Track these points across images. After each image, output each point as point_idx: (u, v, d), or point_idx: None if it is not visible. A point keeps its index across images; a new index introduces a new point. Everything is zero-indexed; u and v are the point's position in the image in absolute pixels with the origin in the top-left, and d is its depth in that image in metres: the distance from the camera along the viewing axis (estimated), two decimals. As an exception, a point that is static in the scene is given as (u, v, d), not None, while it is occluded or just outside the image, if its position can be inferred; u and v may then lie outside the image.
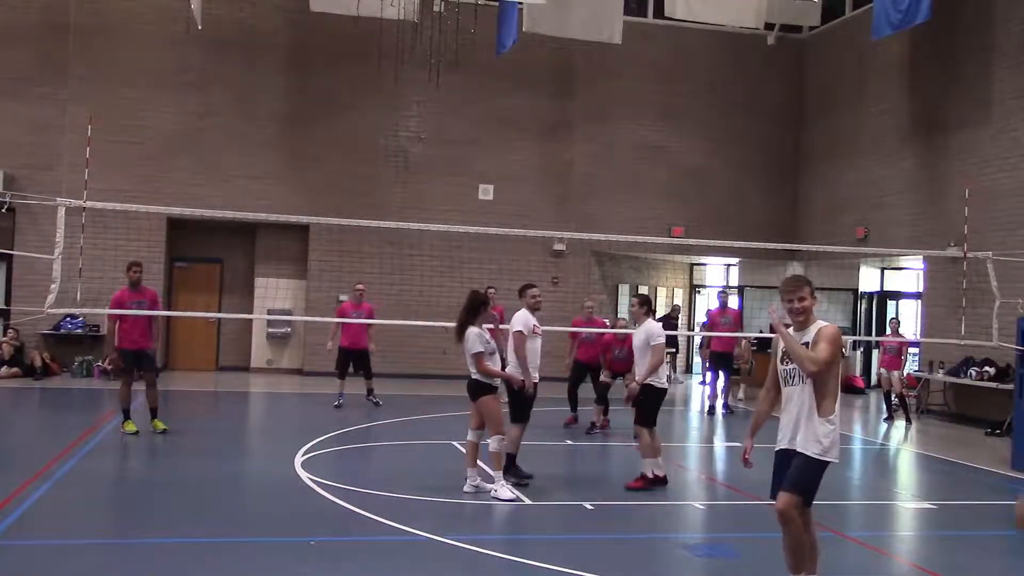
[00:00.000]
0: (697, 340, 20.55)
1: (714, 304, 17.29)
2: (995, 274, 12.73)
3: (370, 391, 14.43)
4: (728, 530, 8.27)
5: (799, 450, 5.53)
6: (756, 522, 8.39)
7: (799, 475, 5.52)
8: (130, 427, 11.30)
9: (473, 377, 8.65)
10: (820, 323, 5.63)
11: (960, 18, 16.69)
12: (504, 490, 8.49)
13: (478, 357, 8.52)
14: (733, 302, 18.21)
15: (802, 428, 5.53)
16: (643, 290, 23.17)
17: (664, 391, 9.31)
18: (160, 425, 11.42)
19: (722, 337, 15.67)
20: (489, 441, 8.58)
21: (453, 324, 8.85)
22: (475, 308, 8.64)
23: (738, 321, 16.56)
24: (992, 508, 9.75)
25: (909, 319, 19.49)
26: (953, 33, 16.85)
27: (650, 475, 9.13)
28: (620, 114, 20.83)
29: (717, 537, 8.06)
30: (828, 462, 5.53)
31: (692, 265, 24.68)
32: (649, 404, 9.19)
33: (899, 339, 16.01)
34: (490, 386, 8.65)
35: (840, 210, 19.94)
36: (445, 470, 9.81)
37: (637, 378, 9.23)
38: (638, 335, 9.34)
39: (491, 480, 8.68)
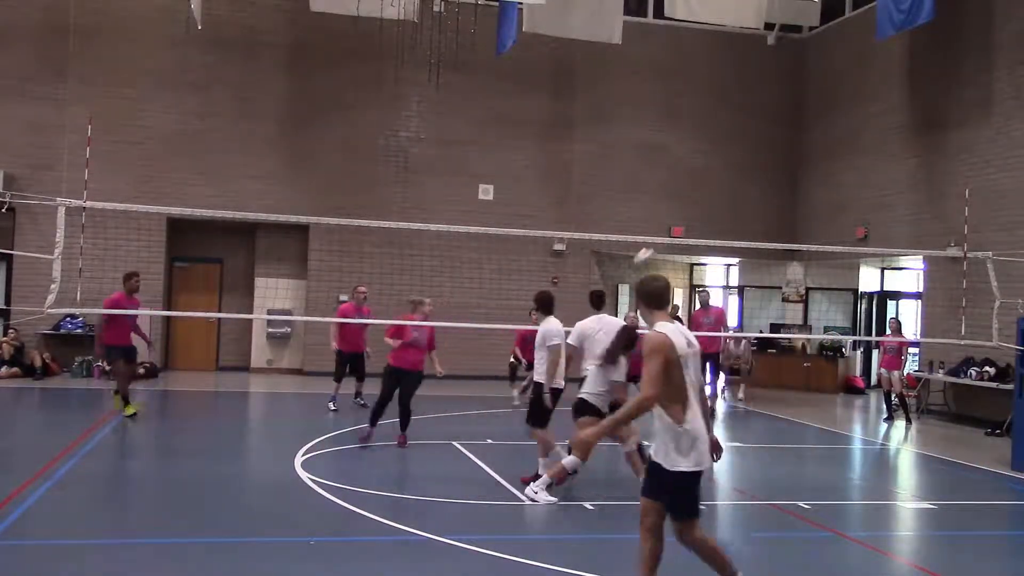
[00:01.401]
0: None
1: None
2: (995, 274, 12.72)
3: (358, 393, 14.46)
4: (728, 530, 8.25)
5: (655, 460, 5.31)
6: (756, 522, 8.41)
7: (664, 493, 5.27)
8: (129, 410, 12.26)
9: (580, 395, 8.65)
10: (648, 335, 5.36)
11: (960, 18, 16.68)
12: (543, 494, 8.50)
13: (621, 386, 8.69)
14: (716, 300, 18.09)
15: (656, 438, 5.34)
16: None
17: (560, 391, 9.22)
18: (119, 405, 12.33)
19: (704, 337, 15.61)
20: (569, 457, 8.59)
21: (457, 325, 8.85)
22: (632, 341, 8.76)
23: (722, 320, 16.49)
24: (992, 508, 9.75)
25: (909, 319, 19.48)
26: (953, 33, 16.85)
27: (570, 470, 8.89)
28: (620, 114, 20.83)
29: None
30: (683, 472, 5.16)
31: (692, 265, 24.67)
32: (541, 403, 9.09)
33: (899, 339, 15.99)
34: (598, 409, 8.51)
35: (840, 210, 19.93)
36: (445, 470, 9.81)
37: (535, 378, 9.24)
38: (539, 334, 9.33)
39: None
